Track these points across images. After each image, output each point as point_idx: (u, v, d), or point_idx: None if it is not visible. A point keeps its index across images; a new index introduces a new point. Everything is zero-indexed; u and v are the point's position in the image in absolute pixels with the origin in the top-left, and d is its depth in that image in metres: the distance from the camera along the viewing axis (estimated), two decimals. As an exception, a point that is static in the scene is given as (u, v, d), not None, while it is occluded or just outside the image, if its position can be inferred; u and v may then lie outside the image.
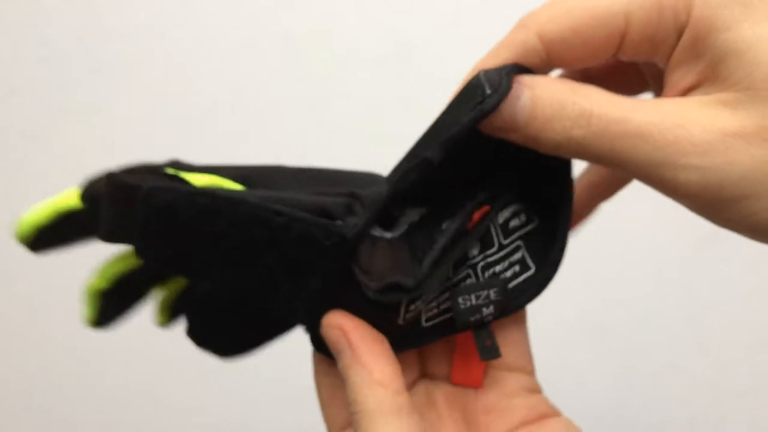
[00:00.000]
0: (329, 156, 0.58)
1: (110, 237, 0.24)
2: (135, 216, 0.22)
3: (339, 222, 0.22)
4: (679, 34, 0.21)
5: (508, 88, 0.21)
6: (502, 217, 0.25)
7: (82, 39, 0.60)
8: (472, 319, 0.24)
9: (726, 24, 0.19)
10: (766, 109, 0.19)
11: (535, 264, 0.25)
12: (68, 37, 0.60)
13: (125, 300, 0.29)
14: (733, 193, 0.19)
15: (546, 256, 0.25)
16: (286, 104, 0.60)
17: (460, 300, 0.24)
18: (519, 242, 0.25)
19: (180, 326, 0.31)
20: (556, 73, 0.25)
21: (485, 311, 0.24)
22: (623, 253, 0.55)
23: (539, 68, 0.22)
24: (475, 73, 0.22)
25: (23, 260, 0.63)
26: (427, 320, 0.25)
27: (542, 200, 0.26)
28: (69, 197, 0.27)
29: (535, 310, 0.27)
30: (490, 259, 0.25)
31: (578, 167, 0.26)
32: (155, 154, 0.61)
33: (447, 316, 0.25)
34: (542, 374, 0.27)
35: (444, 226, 0.24)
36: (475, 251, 0.25)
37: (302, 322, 0.25)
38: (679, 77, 0.21)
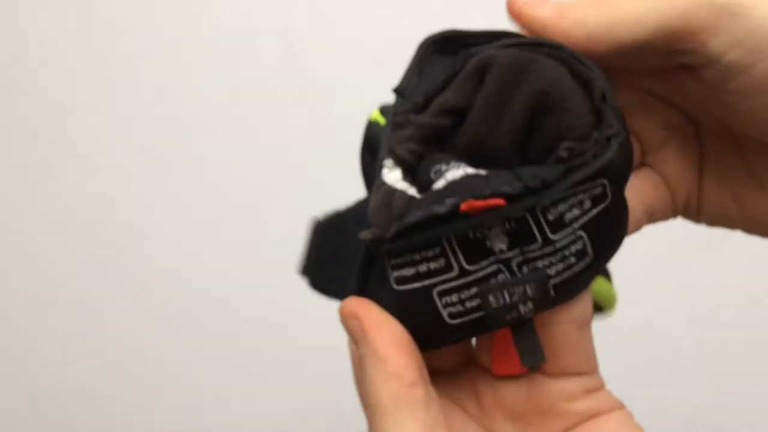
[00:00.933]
0: (329, 156, 0.58)
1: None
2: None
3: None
4: None
5: None
6: (553, 214, 0.21)
7: (82, 39, 0.60)
8: (508, 317, 0.21)
9: None
10: None
11: (595, 250, 0.22)
12: (68, 37, 0.60)
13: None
14: None
15: (608, 239, 0.22)
16: (286, 104, 0.60)
17: (490, 298, 0.21)
18: (580, 232, 0.22)
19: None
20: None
21: (523, 310, 0.21)
22: (623, 253, 0.55)
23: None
24: None
25: (23, 260, 0.64)
26: (451, 316, 0.22)
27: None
28: None
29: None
30: (530, 255, 0.21)
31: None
32: (155, 154, 0.61)
33: (477, 315, 0.22)
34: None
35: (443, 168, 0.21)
36: (501, 245, 0.21)
37: None
38: None
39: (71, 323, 0.64)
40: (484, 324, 0.22)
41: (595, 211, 0.22)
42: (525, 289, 0.21)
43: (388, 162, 0.22)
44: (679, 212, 0.27)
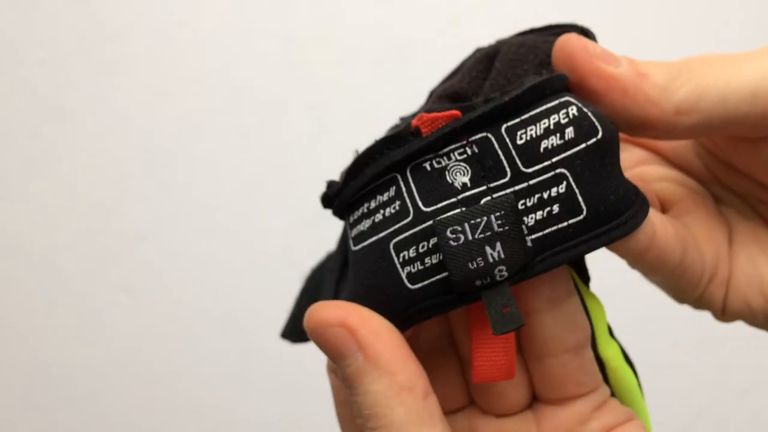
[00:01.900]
0: (329, 156, 0.58)
1: None
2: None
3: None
4: None
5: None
6: (523, 135, 0.18)
7: (82, 39, 0.60)
8: (473, 266, 0.17)
9: None
10: None
11: (589, 204, 0.18)
12: (68, 37, 0.60)
13: None
14: None
15: (605, 192, 0.18)
16: (286, 104, 0.60)
17: (449, 233, 0.17)
18: (562, 169, 0.18)
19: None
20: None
21: (492, 255, 0.17)
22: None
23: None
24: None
25: (23, 259, 0.64)
26: (411, 279, 0.18)
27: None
28: None
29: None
30: (498, 194, 0.18)
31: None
32: (155, 154, 0.61)
33: (440, 276, 0.18)
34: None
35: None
36: (464, 179, 0.18)
37: None
38: None
39: (71, 323, 0.64)
40: (449, 287, 0.18)
41: (582, 146, 0.18)
42: (490, 221, 0.17)
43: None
44: (709, 273, 0.23)
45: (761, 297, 0.23)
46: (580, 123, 0.18)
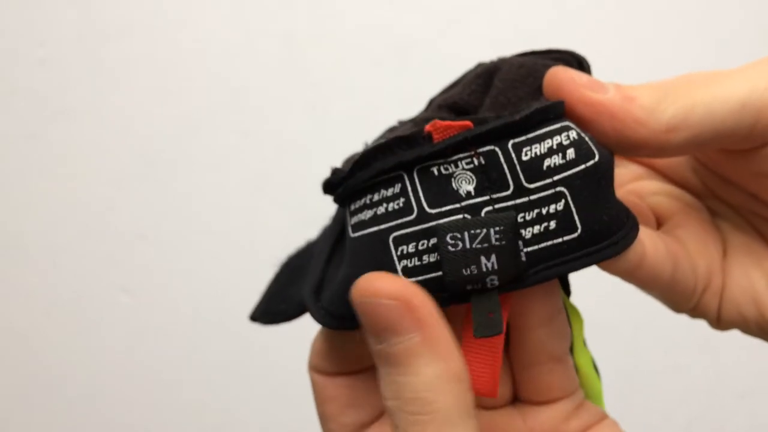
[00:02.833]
0: (329, 156, 0.58)
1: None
2: None
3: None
4: None
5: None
6: (528, 152, 0.19)
7: (82, 39, 0.60)
8: (466, 272, 0.18)
9: None
10: None
11: (584, 223, 0.19)
12: (68, 37, 0.60)
13: None
14: None
15: (598, 211, 0.19)
16: (286, 104, 0.60)
17: (448, 239, 0.18)
18: (561, 188, 0.19)
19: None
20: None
21: (486, 265, 0.18)
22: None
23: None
24: None
25: (23, 259, 0.64)
26: (406, 272, 0.19)
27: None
28: None
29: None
30: (500, 205, 0.19)
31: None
32: (155, 155, 0.61)
33: (434, 274, 0.19)
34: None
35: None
36: (468, 187, 0.19)
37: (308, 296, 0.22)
38: None
39: (71, 323, 0.64)
40: (441, 286, 0.19)
41: (582, 167, 0.19)
42: (488, 234, 0.18)
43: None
44: (702, 285, 0.24)
45: (754, 307, 0.23)
46: (580, 146, 0.19)
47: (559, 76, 0.20)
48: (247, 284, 0.63)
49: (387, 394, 0.18)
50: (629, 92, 0.20)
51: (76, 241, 0.62)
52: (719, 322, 0.24)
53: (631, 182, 0.26)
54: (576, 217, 0.19)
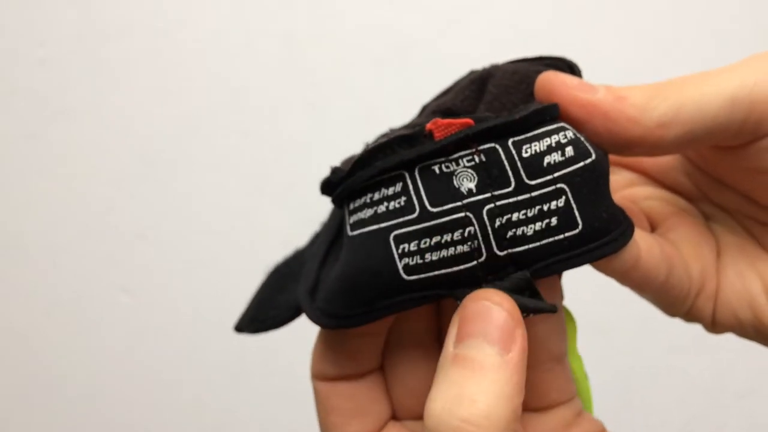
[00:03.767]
0: (329, 156, 0.58)
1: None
2: None
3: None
4: None
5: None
6: (528, 149, 0.19)
7: (82, 39, 0.60)
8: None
9: None
10: None
11: (585, 219, 0.19)
12: (68, 37, 0.60)
13: None
14: None
15: (599, 209, 0.19)
16: (286, 104, 0.60)
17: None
18: (562, 185, 0.19)
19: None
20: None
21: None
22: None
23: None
24: None
25: (23, 259, 0.64)
26: (407, 271, 0.19)
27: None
28: None
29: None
30: (502, 202, 0.19)
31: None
32: (154, 154, 0.61)
33: (436, 272, 0.19)
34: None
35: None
36: (470, 185, 0.19)
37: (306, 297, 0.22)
38: None
39: (71, 323, 0.64)
40: (442, 285, 0.19)
41: (581, 164, 0.19)
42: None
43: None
44: (696, 288, 0.24)
45: (749, 310, 0.23)
46: (577, 144, 0.19)
47: (551, 80, 0.21)
48: (247, 284, 0.63)
49: (438, 395, 0.18)
50: (620, 92, 0.20)
51: (76, 241, 0.62)
52: (714, 326, 0.25)
53: (625, 188, 0.26)
54: (576, 214, 0.19)
